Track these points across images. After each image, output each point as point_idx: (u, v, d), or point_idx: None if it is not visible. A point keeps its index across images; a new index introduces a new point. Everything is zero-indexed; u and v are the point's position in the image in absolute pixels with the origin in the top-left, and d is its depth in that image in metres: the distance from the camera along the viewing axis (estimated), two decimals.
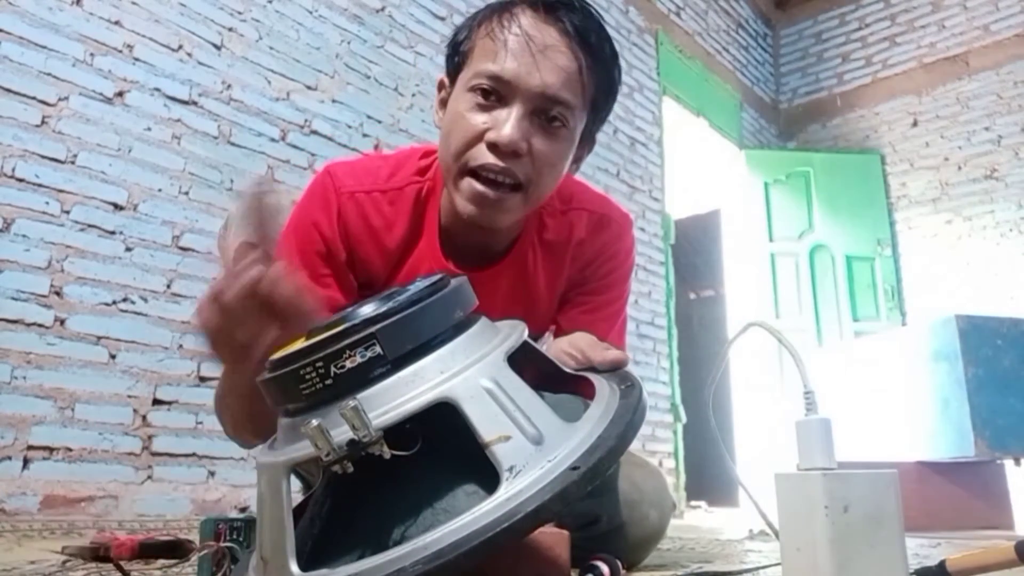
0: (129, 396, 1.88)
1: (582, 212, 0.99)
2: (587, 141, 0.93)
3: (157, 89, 2.06)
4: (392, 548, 0.49)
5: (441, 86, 0.93)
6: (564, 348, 0.79)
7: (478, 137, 0.82)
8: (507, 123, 0.80)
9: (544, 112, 0.82)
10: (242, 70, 2.27)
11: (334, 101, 2.50)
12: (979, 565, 0.63)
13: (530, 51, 0.81)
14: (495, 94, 0.82)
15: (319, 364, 0.51)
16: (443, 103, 0.91)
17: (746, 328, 0.73)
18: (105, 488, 1.80)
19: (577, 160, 0.93)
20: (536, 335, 0.96)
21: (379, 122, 2.63)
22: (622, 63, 0.93)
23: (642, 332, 3.62)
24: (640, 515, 0.95)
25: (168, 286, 2.00)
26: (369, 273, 0.94)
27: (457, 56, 0.89)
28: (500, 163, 0.80)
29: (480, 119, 0.82)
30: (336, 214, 0.91)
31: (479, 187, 0.82)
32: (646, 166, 3.97)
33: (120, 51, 2.00)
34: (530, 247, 0.97)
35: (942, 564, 0.64)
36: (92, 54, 1.95)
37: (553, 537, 0.66)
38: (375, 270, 0.93)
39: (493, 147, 0.81)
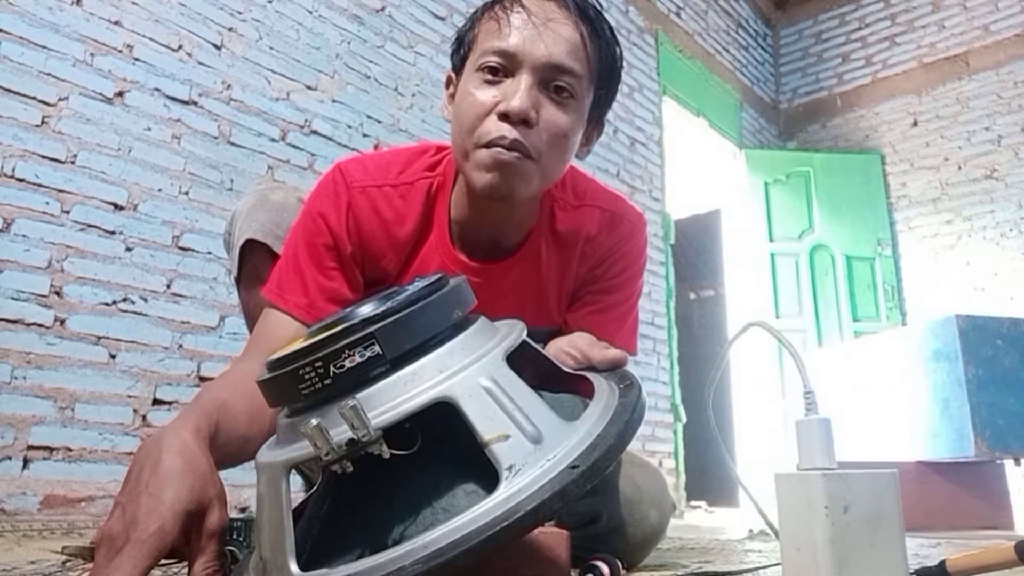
0: (129, 396, 1.88)
1: (595, 209, 0.99)
2: (596, 121, 0.93)
3: (157, 89, 2.06)
4: (392, 547, 0.49)
5: (449, 82, 0.94)
6: (563, 347, 0.79)
7: (489, 110, 0.82)
8: (516, 93, 0.81)
9: (552, 82, 0.83)
10: (242, 70, 2.27)
11: (334, 101, 2.50)
12: (979, 565, 0.63)
13: (533, 24, 0.82)
14: (503, 69, 0.83)
15: (318, 364, 0.51)
16: (452, 97, 0.92)
17: (746, 328, 0.73)
18: (105, 488, 1.80)
19: (588, 141, 0.93)
20: (547, 330, 0.96)
21: (379, 122, 2.63)
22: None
23: (642, 332, 3.62)
24: (640, 515, 0.95)
25: (168, 286, 2.00)
26: (380, 268, 0.94)
27: (462, 47, 0.90)
28: (512, 133, 0.81)
29: (489, 93, 0.83)
30: (346, 208, 0.91)
31: (494, 151, 0.81)
32: (646, 166, 3.97)
33: (120, 51, 2.00)
34: (542, 240, 0.97)
35: (942, 564, 0.64)
36: (92, 54, 1.95)
37: (553, 537, 0.66)
38: (387, 264, 0.94)
39: (504, 117, 0.81)
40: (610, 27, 0.89)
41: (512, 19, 0.83)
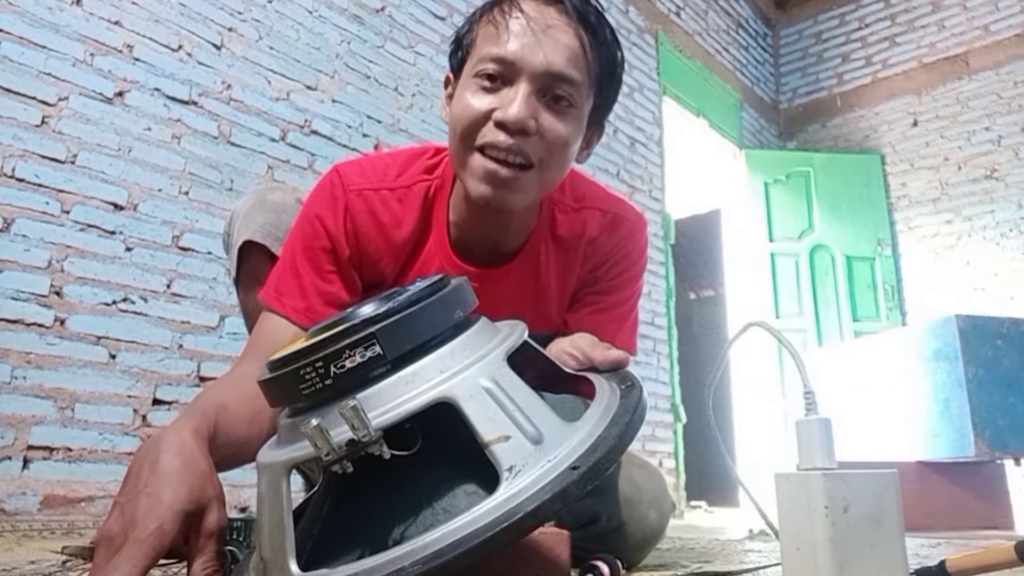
0: (129, 396, 1.88)
1: (595, 211, 0.99)
2: (596, 126, 0.92)
3: (157, 89, 2.06)
4: (392, 548, 0.49)
5: (447, 83, 0.93)
6: (565, 348, 0.79)
7: (485, 118, 0.81)
8: (514, 102, 0.80)
9: (550, 91, 0.82)
10: (242, 70, 2.27)
11: (334, 101, 2.50)
12: (979, 565, 0.63)
13: (532, 31, 0.81)
14: (500, 77, 0.82)
15: (319, 364, 0.51)
16: (450, 98, 0.91)
17: (746, 328, 0.73)
18: (105, 488, 1.80)
19: (587, 145, 0.93)
20: (546, 334, 0.96)
21: (379, 122, 2.63)
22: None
23: (642, 332, 3.62)
24: (640, 515, 0.95)
25: (168, 286, 2.00)
26: (379, 272, 0.93)
27: (460, 50, 0.89)
28: (509, 140, 0.80)
29: (487, 100, 0.82)
30: (343, 211, 0.90)
31: (491, 165, 0.81)
32: (646, 166, 3.97)
33: (120, 51, 2.00)
34: (542, 244, 0.96)
35: (942, 564, 0.64)
36: (92, 54, 1.95)
37: (553, 537, 0.66)
38: (385, 268, 0.93)
39: (501, 126, 0.80)
40: (611, 30, 0.88)
41: (511, 25, 0.82)
